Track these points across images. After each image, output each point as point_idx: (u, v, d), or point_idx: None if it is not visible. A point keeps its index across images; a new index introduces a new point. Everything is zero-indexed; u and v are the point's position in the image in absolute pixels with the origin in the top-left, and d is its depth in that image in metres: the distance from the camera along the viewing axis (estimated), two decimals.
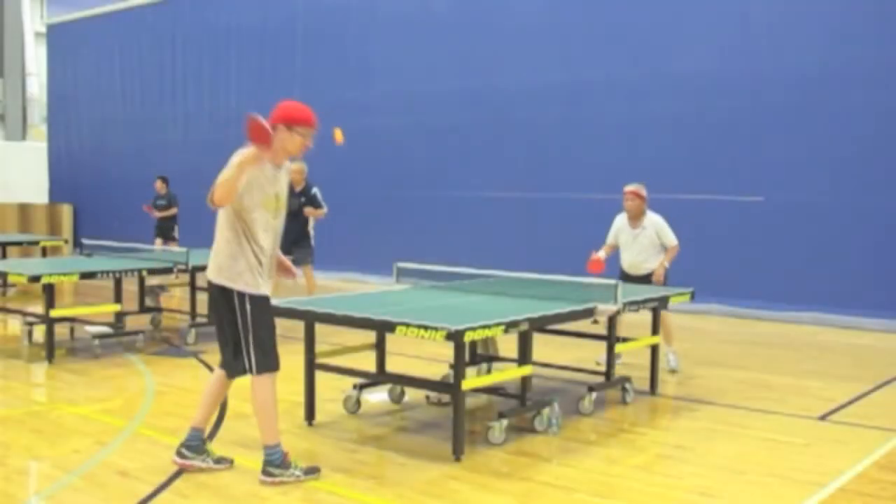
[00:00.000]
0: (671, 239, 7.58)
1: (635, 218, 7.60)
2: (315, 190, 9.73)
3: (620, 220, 7.74)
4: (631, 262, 7.65)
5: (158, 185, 13.61)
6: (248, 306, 4.42)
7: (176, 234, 13.48)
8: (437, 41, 13.96)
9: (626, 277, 7.49)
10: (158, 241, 13.11)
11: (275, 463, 4.55)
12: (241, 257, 4.39)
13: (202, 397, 4.79)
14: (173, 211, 13.41)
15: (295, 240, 9.47)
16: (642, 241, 7.58)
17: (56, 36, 21.19)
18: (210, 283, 4.57)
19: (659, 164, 11.48)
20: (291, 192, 9.54)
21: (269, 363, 4.50)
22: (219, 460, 4.76)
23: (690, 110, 11.38)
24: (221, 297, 4.50)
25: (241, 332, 4.46)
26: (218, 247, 4.47)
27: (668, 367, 7.53)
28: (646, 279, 7.52)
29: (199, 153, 17.40)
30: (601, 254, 7.58)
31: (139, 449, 5.05)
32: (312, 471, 4.65)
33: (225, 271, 4.42)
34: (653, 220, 7.60)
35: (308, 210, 9.58)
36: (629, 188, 7.59)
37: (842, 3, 10.45)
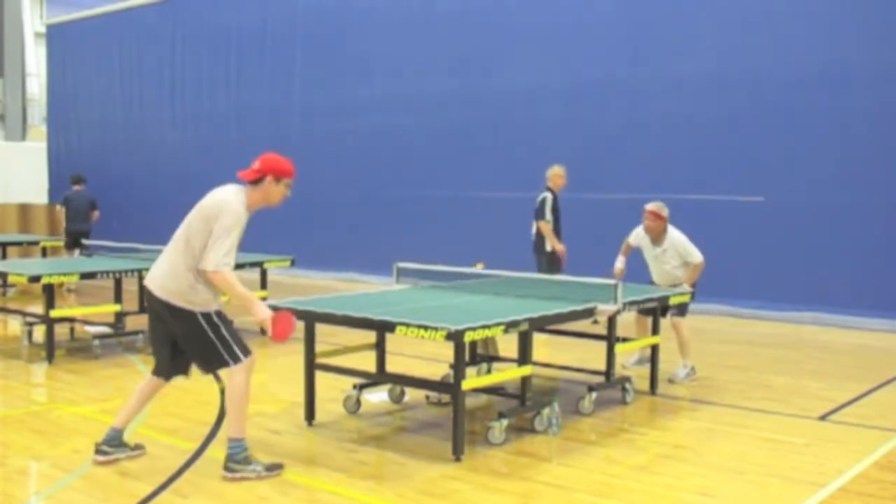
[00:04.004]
0: (694, 256, 7.24)
1: (656, 238, 7.32)
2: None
3: (642, 232, 7.41)
4: (658, 279, 7.44)
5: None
6: (214, 320, 4.66)
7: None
8: (437, 41, 13.95)
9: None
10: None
11: (237, 458, 4.62)
12: (200, 285, 4.60)
13: (136, 398, 4.89)
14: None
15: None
16: (665, 262, 7.32)
17: (56, 36, 21.18)
18: (165, 303, 4.63)
19: (659, 164, 11.49)
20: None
21: (245, 350, 4.70)
22: (135, 447, 4.97)
23: (690, 110, 11.38)
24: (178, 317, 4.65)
25: (216, 341, 4.64)
26: (176, 275, 4.61)
27: (674, 377, 7.16)
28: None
29: (199, 153, 17.42)
30: (618, 264, 7.44)
31: None
32: (275, 467, 4.69)
33: (187, 296, 4.61)
34: (674, 240, 7.26)
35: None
36: (649, 207, 7.28)
37: (841, 3, 10.45)
